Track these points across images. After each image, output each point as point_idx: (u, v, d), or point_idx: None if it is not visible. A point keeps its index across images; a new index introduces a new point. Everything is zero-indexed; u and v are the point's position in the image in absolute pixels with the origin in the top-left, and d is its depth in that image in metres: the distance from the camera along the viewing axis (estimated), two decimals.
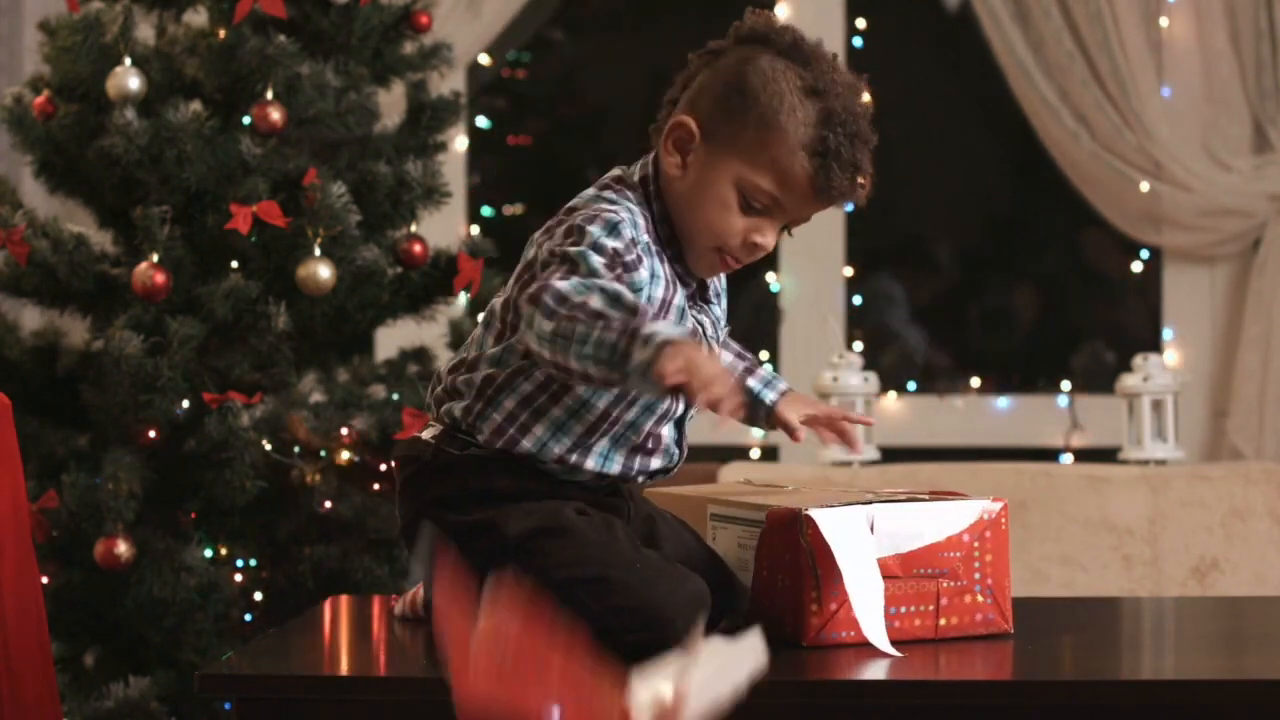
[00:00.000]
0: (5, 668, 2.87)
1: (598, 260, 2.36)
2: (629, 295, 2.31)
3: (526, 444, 2.47)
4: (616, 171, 2.55)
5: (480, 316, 2.58)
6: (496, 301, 2.54)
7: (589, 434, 2.49)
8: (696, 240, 2.52)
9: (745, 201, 2.51)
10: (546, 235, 2.45)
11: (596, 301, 2.29)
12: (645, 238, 2.47)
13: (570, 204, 2.50)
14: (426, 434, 2.55)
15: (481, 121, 5.39)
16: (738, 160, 2.48)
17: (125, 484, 3.60)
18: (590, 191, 2.51)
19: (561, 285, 2.30)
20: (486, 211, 5.35)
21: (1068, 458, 4.98)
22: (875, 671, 2.49)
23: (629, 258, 2.42)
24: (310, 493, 3.69)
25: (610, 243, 2.39)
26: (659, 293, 2.47)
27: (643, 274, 2.45)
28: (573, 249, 2.36)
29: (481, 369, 2.48)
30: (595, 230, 2.39)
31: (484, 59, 5.23)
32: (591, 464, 2.51)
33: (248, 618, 3.70)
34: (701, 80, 2.51)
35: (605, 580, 2.42)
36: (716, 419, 2.27)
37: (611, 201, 2.48)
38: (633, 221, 2.45)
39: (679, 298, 2.51)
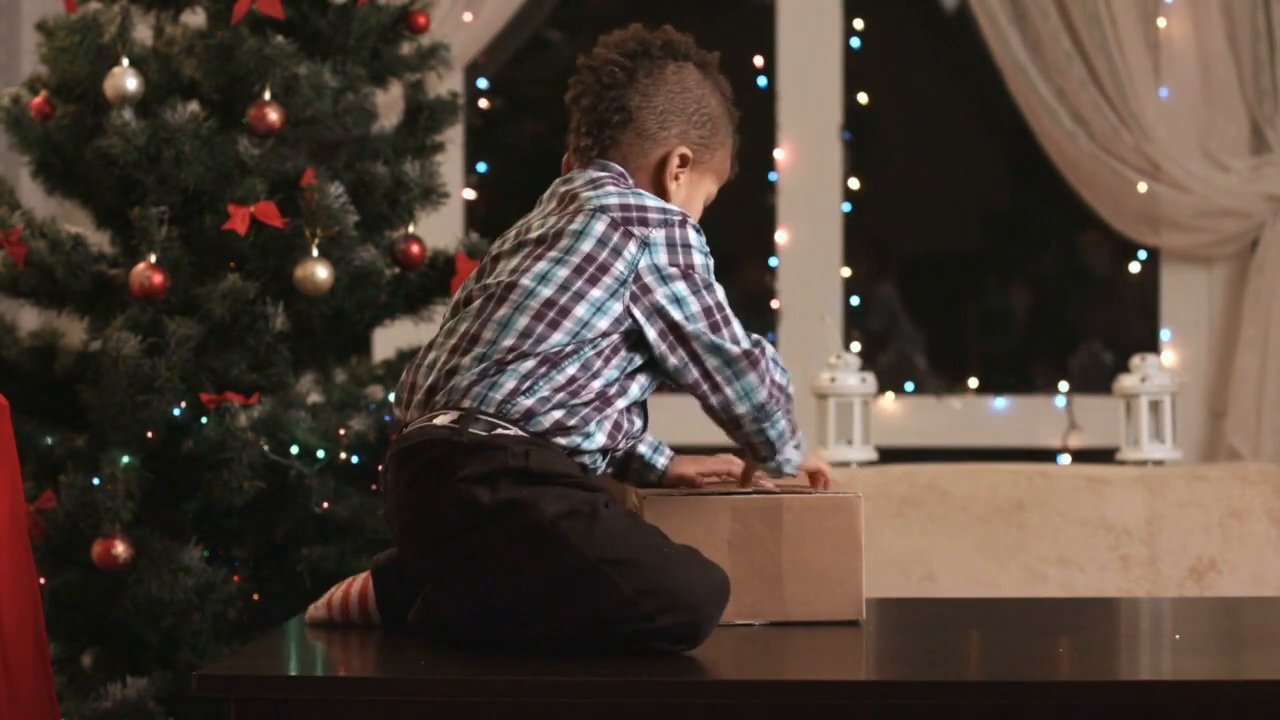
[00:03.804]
0: (3, 668, 2.87)
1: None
2: (791, 383, 2.73)
3: (576, 437, 2.62)
4: (634, 194, 2.71)
5: (490, 292, 2.67)
6: (529, 281, 2.63)
7: (614, 426, 2.67)
8: None
9: None
10: (646, 246, 2.64)
11: (788, 385, 2.71)
12: None
13: (638, 204, 2.67)
14: (441, 420, 2.58)
15: (479, 122, 5.39)
16: (711, 178, 2.83)
17: (123, 484, 3.60)
18: (654, 203, 2.70)
19: (770, 357, 2.69)
20: (484, 212, 5.35)
21: (1065, 458, 4.98)
22: (857, 672, 2.50)
23: None
24: (308, 493, 3.69)
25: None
26: None
27: None
28: (711, 280, 2.68)
29: (567, 368, 2.61)
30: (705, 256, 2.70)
31: (482, 59, 5.23)
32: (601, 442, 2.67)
33: (245, 618, 3.69)
34: (661, 103, 2.76)
35: (637, 564, 2.51)
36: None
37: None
38: None
39: None
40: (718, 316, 2.65)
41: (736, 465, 2.89)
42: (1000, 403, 5.25)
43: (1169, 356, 5.05)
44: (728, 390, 2.66)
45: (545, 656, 2.50)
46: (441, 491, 2.55)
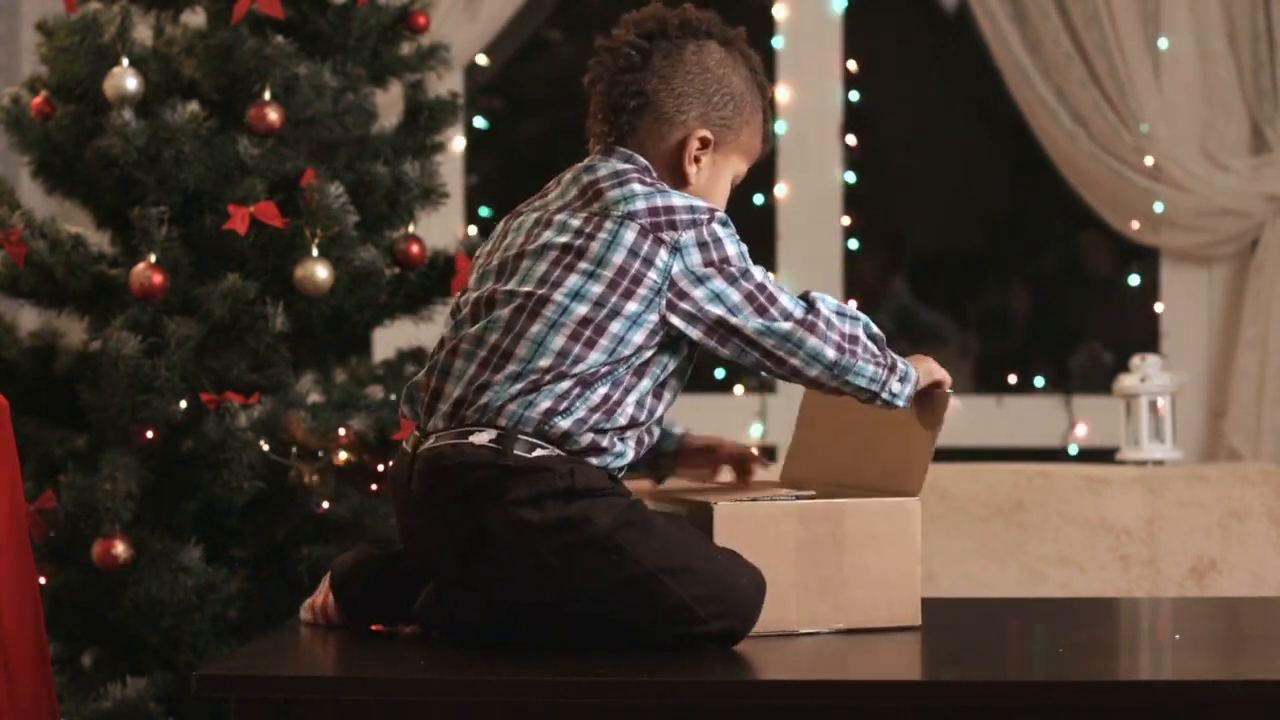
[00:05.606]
0: (3, 668, 2.87)
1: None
2: (872, 324, 2.70)
3: (608, 457, 2.61)
4: (650, 185, 2.67)
5: (514, 303, 2.63)
6: (562, 297, 2.59)
7: (638, 442, 2.66)
8: None
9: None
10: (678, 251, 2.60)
11: (860, 333, 2.66)
12: None
13: (665, 206, 2.63)
14: (479, 439, 2.57)
15: (479, 122, 5.39)
16: (738, 157, 2.75)
17: (123, 484, 3.60)
18: (680, 202, 2.64)
19: (828, 313, 2.63)
20: (484, 212, 5.35)
21: (1065, 458, 4.98)
22: (853, 672, 2.50)
23: None
24: (308, 493, 3.69)
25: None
26: None
27: None
28: (748, 266, 2.65)
29: (600, 388, 2.59)
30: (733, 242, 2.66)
31: (482, 59, 5.23)
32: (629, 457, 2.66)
33: (245, 618, 3.69)
34: (679, 85, 2.69)
35: (692, 571, 2.54)
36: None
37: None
38: None
39: None
40: (761, 299, 2.62)
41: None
42: (1000, 402, 5.25)
43: (1169, 356, 5.05)
44: (793, 361, 2.63)
45: (545, 656, 2.50)
46: (489, 514, 2.55)
